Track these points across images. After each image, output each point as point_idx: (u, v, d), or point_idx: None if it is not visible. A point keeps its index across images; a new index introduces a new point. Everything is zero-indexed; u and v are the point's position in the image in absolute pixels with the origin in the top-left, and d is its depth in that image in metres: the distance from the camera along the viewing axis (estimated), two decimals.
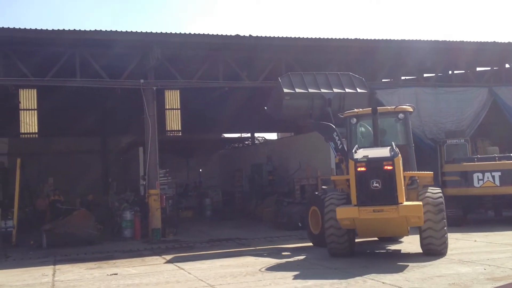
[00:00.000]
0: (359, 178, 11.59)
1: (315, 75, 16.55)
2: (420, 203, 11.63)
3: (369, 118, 13.52)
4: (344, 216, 11.64)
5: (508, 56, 22.47)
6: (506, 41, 21.47)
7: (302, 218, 19.48)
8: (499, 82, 22.72)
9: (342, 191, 12.84)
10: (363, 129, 14.06)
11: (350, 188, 12.02)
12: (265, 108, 17.52)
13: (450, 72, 23.71)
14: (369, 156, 11.75)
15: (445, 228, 11.98)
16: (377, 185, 11.44)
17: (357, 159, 11.71)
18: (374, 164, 11.60)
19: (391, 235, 13.49)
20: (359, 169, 11.59)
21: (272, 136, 38.71)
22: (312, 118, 15.85)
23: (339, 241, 12.19)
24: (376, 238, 14.88)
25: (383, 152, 12.01)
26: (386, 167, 11.51)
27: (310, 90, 16.01)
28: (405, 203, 11.49)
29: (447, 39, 21.41)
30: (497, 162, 17.91)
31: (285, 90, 16.03)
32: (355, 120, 13.61)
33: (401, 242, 14.65)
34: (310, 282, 9.77)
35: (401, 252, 13.34)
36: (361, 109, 13.81)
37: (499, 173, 17.58)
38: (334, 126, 14.96)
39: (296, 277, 10.37)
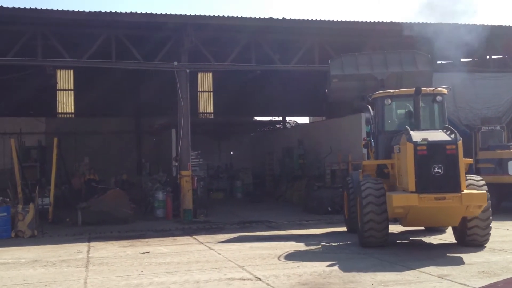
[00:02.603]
0: (419, 163, 10.68)
1: (371, 55, 16.07)
2: (485, 191, 10.87)
3: (405, 99, 12.86)
4: (401, 203, 10.68)
5: None
6: None
7: (332, 203, 19.54)
8: None
9: (375, 178, 12.17)
10: (399, 110, 13.29)
11: (399, 174, 11.34)
12: (326, 91, 17.13)
13: (487, 57, 23.16)
14: (428, 139, 10.87)
15: (491, 218, 11.36)
16: (439, 170, 10.61)
17: (416, 141, 10.74)
18: (436, 147, 10.75)
19: (441, 225, 12.60)
20: (419, 152, 10.67)
21: (304, 120, 38.60)
22: (364, 101, 14.85)
23: (377, 235, 11.38)
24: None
25: (439, 135, 11.19)
26: (449, 151, 10.69)
27: (361, 71, 15.53)
28: (466, 191, 10.74)
29: (485, 23, 20.87)
30: None
31: (332, 73, 15.66)
32: (389, 101, 12.74)
33: (444, 232, 13.81)
34: (338, 266, 9.86)
35: (425, 241, 13.05)
36: (396, 89, 13.08)
37: None
38: (370, 109, 14.15)
39: (324, 261, 10.44)
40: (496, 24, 20.56)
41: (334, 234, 14.32)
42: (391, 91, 12.90)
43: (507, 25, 20.51)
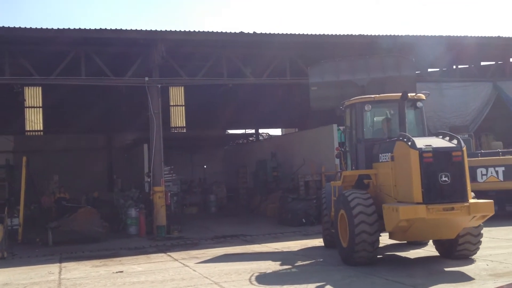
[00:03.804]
0: (425, 171, 9.88)
1: (351, 60, 15.48)
2: (491, 200, 10.20)
3: (387, 105, 12.20)
4: (409, 216, 9.75)
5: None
6: (510, 35, 21.48)
7: (306, 214, 19.60)
8: (503, 76, 22.69)
9: (359, 190, 11.28)
10: (380, 117, 12.57)
11: (396, 184, 10.51)
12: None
13: (454, 66, 23.70)
14: (432, 146, 10.17)
15: (482, 228, 10.94)
16: (446, 179, 9.86)
17: (421, 148, 9.99)
18: (442, 155, 10.00)
19: (439, 237, 11.15)
20: (426, 160, 9.90)
21: (277, 132, 38.78)
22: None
23: (369, 248, 10.57)
24: None
25: (440, 141, 10.43)
26: (455, 158, 9.99)
27: (341, 78, 15.00)
28: (472, 200, 10.09)
29: (451, 34, 21.40)
30: (501, 157, 17.91)
31: (311, 81, 15.12)
32: (370, 107, 11.92)
33: (426, 245, 13.10)
34: (314, 279, 9.85)
35: (401, 254, 13.01)
36: (377, 95, 12.31)
37: (503, 168, 17.58)
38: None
39: (301, 276, 10.43)
40: (462, 35, 21.08)
41: (310, 247, 14.28)
42: (372, 96, 12.21)
43: (472, 35, 21.03)
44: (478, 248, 11.04)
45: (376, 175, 11.53)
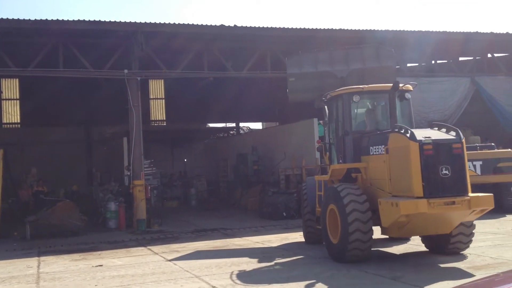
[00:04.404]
0: (426, 164, 9.50)
1: (331, 52, 15.01)
2: (491, 194, 9.94)
3: (376, 95, 11.87)
4: (411, 211, 9.34)
5: (490, 46, 22.70)
6: (489, 31, 21.74)
7: (287, 208, 19.66)
8: (482, 72, 22.97)
9: (353, 186, 10.83)
10: (365, 108, 12.17)
11: (393, 178, 10.07)
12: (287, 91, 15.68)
13: (433, 62, 23.91)
14: (432, 138, 9.76)
15: (474, 224, 10.74)
16: (447, 172, 9.52)
17: (421, 140, 9.58)
18: (442, 147, 9.64)
19: (435, 232, 10.62)
20: (426, 152, 9.51)
21: (257, 126, 38.77)
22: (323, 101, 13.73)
23: (363, 246, 10.22)
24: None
25: (437, 133, 10.04)
26: (455, 150, 9.67)
27: (320, 69, 14.59)
28: (472, 194, 9.74)
29: (431, 30, 21.59)
30: (479, 151, 18.17)
31: (289, 71, 14.62)
32: (358, 97, 11.43)
33: (409, 240, 12.88)
34: (296, 272, 9.89)
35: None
36: (365, 85, 11.86)
37: (480, 162, 17.85)
38: (326, 109, 12.90)
39: (282, 269, 10.45)
40: (441, 30, 21.27)
41: (291, 242, 14.29)
42: (360, 86, 11.72)
43: (452, 31, 21.23)
44: (470, 242, 10.81)
45: (365, 168, 11.17)
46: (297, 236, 14.70)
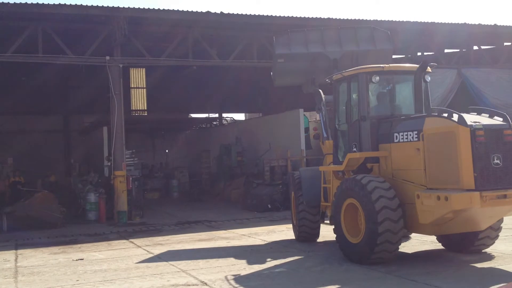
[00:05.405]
0: (477, 152, 8.36)
1: (322, 31, 13.84)
2: None
3: (399, 76, 10.66)
4: (465, 206, 8.28)
5: (477, 38, 22.57)
6: (476, 23, 21.61)
7: (271, 200, 19.33)
8: (468, 64, 22.84)
9: (378, 178, 9.51)
10: (383, 90, 10.80)
11: (437, 166, 8.80)
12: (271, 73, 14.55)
13: (419, 53, 23.71)
14: (482, 123, 8.63)
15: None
16: (498, 161, 8.46)
17: (471, 125, 8.43)
18: (493, 133, 8.54)
19: (470, 230, 9.47)
20: (478, 139, 8.38)
21: (241, 116, 38.36)
22: (315, 84, 12.62)
23: (391, 248, 9.11)
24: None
25: (483, 119, 8.89)
26: (507, 137, 8.59)
27: (311, 50, 13.38)
28: None
29: (418, 20, 21.37)
30: None
31: (277, 52, 13.53)
32: (377, 78, 10.19)
33: (410, 238, 11.76)
34: (286, 266, 9.54)
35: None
36: (385, 65, 10.53)
37: None
38: (322, 93, 12.07)
39: (271, 262, 10.11)
40: (429, 21, 21.04)
41: (278, 234, 13.97)
42: (381, 66, 10.41)
43: (438, 22, 21.02)
44: (496, 238, 9.94)
45: (386, 158, 9.87)
46: (284, 229, 14.39)
